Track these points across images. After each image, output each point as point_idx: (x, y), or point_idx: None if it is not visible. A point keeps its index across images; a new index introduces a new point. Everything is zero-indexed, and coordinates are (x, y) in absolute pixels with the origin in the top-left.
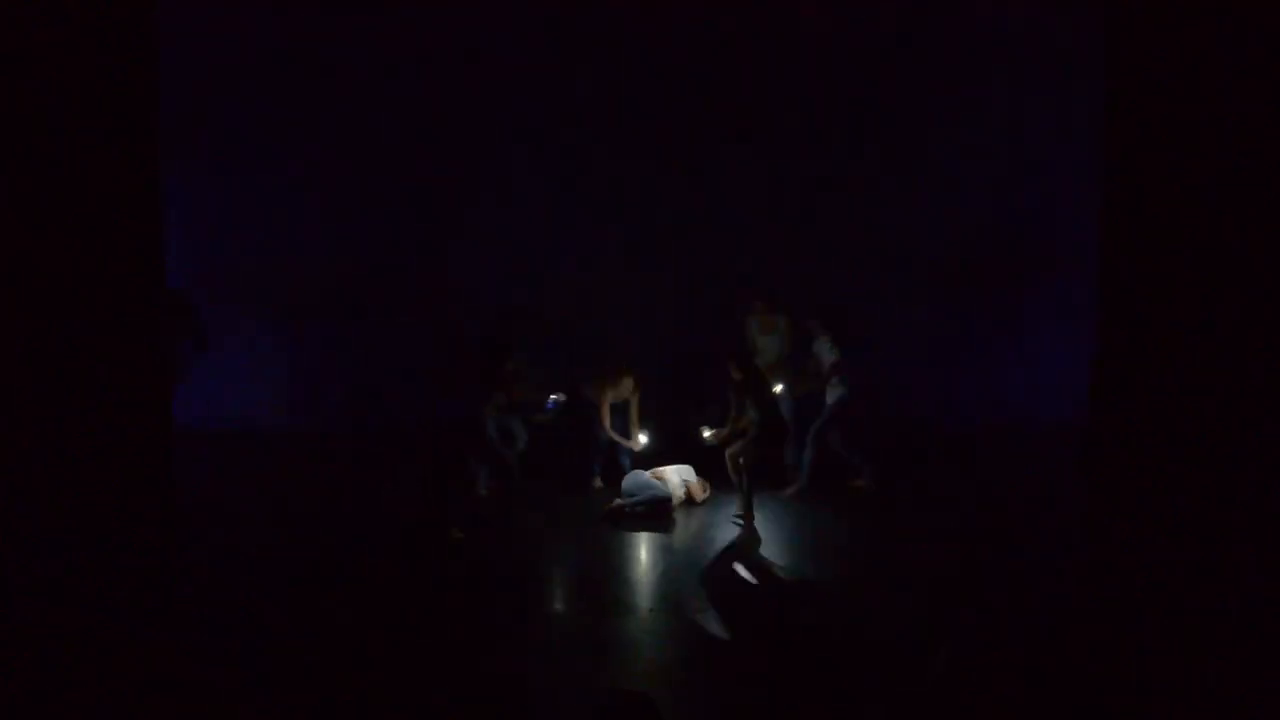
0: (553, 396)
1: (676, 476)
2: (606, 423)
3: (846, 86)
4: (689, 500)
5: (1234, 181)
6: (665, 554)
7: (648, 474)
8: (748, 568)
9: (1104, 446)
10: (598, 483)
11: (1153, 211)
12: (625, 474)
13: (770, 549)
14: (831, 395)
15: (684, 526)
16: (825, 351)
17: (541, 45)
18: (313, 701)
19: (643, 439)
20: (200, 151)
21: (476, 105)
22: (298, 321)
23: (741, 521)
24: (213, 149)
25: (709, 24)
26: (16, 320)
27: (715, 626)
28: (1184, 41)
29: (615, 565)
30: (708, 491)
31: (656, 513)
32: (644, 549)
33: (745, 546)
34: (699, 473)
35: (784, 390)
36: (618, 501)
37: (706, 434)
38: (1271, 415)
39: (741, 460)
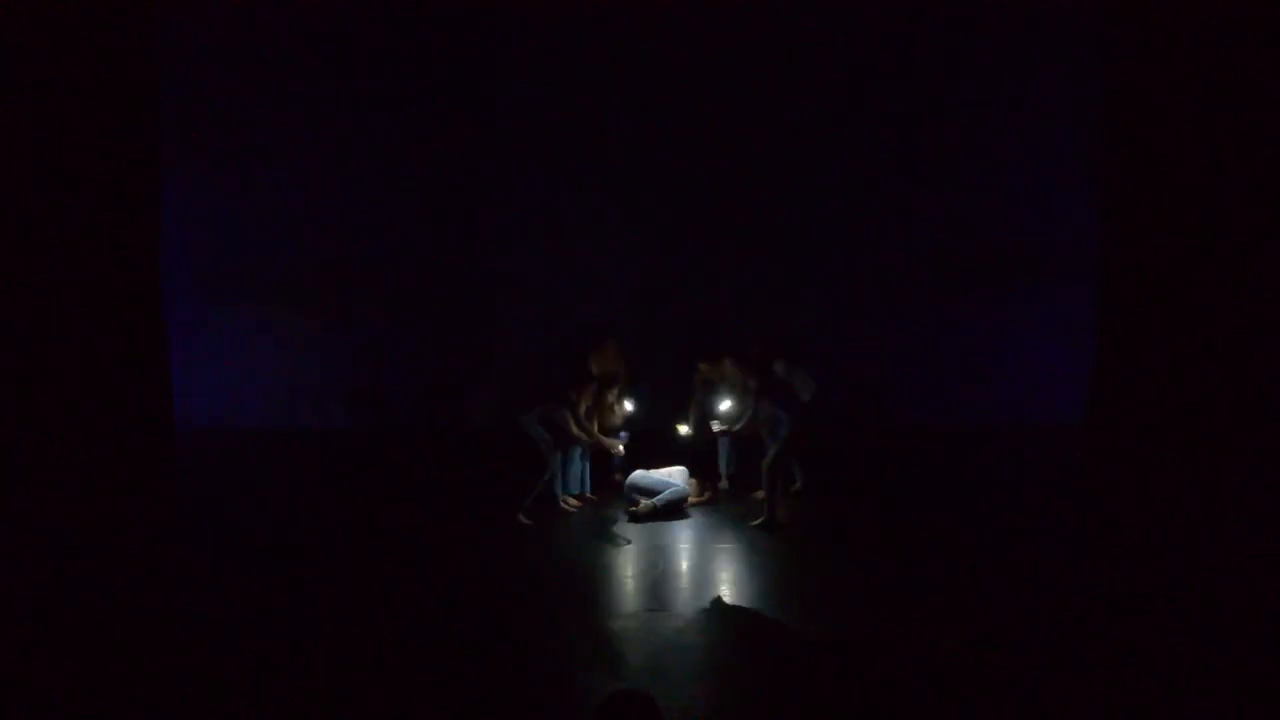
0: (624, 434)
1: (680, 477)
2: (594, 428)
3: (848, 90)
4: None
5: (1232, 184)
6: (666, 555)
7: (653, 473)
8: (747, 568)
9: (1104, 446)
10: (570, 503)
11: (1151, 215)
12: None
13: (769, 550)
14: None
15: (683, 527)
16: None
17: (543, 44)
18: (313, 701)
19: (620, 446)
20: (200, 151)
21: (477, 104)
22: (298, 321)
23: (763, 528)
24: (213, 149)
25: (711, 26)
26: (18, 320)
27: (716, 626)
28: (1182, 47)
29: (616, 566)
30: (705, 493)
31: (676, 509)
32: (645, 550)
33: (744, 547)
34: (692, 475)
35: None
36: (645, 503)
37: (716, 426)
38: (1271, 416)
39: (771, 466)
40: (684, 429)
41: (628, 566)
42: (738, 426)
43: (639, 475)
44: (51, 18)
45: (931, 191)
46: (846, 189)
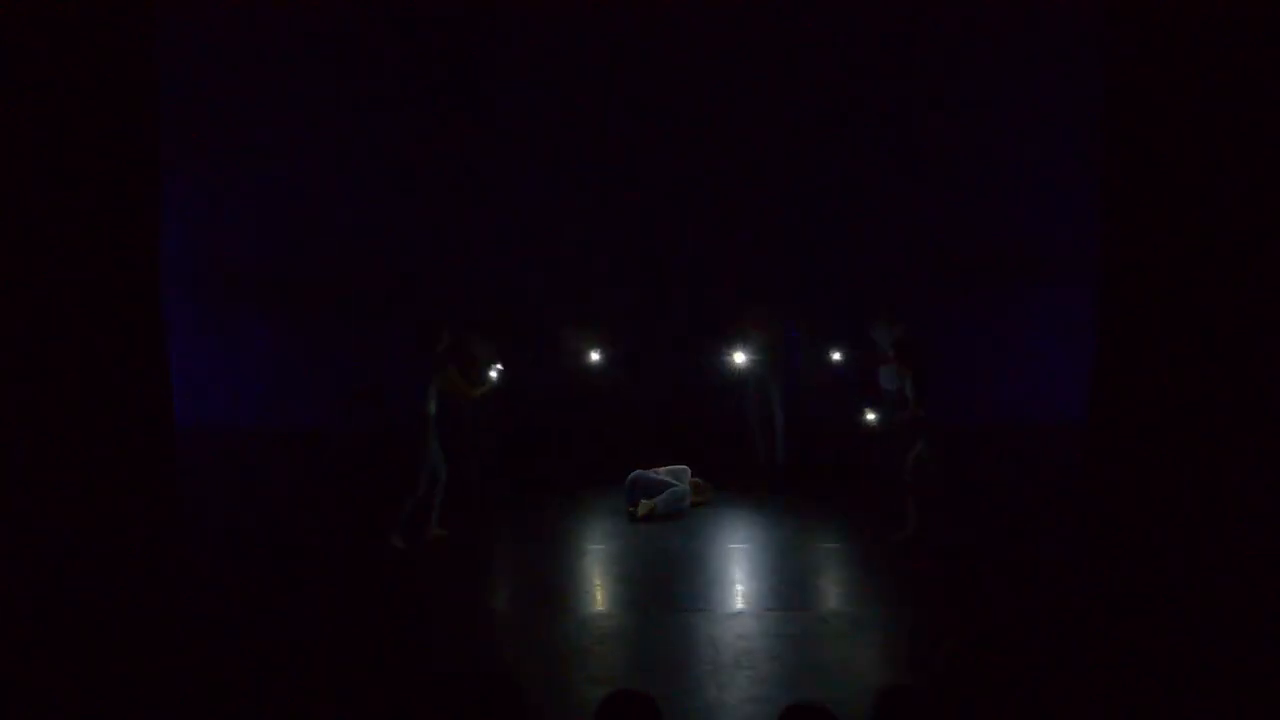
0: (491, 373)
1: (680, 477)
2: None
3: (848, 90)
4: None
5: (1232, 184)
6: (666, 555)
7: (653, 473)
8: (748, 568)
9: (1104, 446)
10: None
11: (1151, 215)
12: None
13: (769, 550)
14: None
15: (683, 527)
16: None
17: (543, 44)
18: (313, 701)
19: (494, 374)
20: (200, 151)
21: (478, 104)
22: (298, 321)
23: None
24: (213, 149)
25: (711, 26)
26: (18, 320)
27: (717, 626)
28: (1182, 47)
29: (616, 566)
30: (706, 494)
31: (678, 509)
32: (645, 550)
33: (743, 547)
34: (695, 474)
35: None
36: (645, 503)
37: (870, 417)
38: (1271, 416)
39: (912, 470)
40: (738, 357)
41: (628, 567)
42: (901, 416)
43: (640, 475)
44: (51, 18)
45: (931, 191)
46: (846, 189)
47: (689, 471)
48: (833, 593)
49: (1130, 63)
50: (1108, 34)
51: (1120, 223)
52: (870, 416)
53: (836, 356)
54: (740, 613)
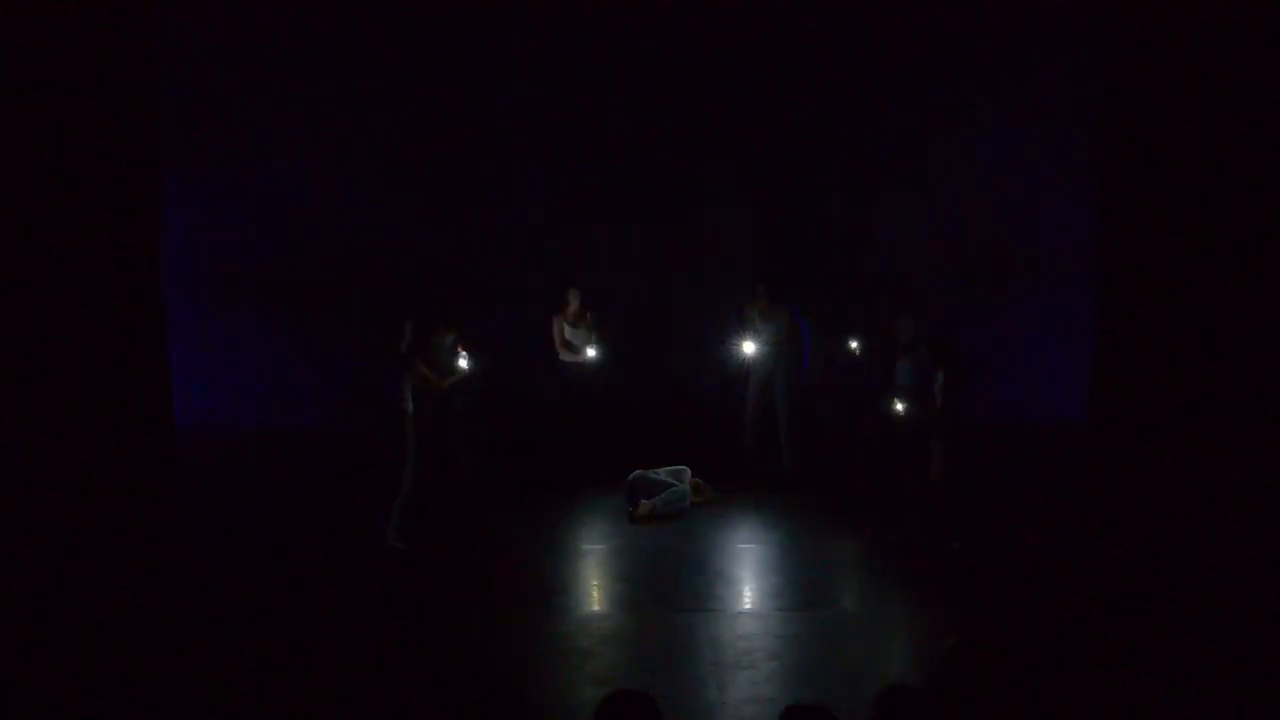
0: (462, 363)
1: (680, 477)
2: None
3: (848, 90)
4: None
5: (1232, 184)
6: (666, 555)
7: (653, 473)
8: (747, 567)
9: (1104, 446)
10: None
11: (1151, 215)
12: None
13: (769, 550)
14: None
15: (683, 528)
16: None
17: (543, 44)
18: (313, 701)
19: (462, 363)
20: (200, 151)
21: (478, 104)
22: (298, 321)
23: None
24: (213, 149)
25: (711, 26)
26: (18, 320)
27: (718, 626)
28: (1182, 47)
29: (616, 566)
30: (706, 494)
31: (678, 509)
32: (645, 551)
33: (742, 547)
34: (695, 474)
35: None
36: (644, 504)
37: (899, 405)
38: (1271, 416)
39: (935, 468)
40: (749, 347)
41: (628, 567)
42: (931, 413)
43: (640, 475)
44: (51, 18)
45: (931, 192)
46: (846, 189)
47: (689, 471)
48: (833, 593)
49: (1130, 63)
50: (1108, 34)
51: (1120, 223)
52: (899, 407)
53: (854, 344)
54: (740, 613)
